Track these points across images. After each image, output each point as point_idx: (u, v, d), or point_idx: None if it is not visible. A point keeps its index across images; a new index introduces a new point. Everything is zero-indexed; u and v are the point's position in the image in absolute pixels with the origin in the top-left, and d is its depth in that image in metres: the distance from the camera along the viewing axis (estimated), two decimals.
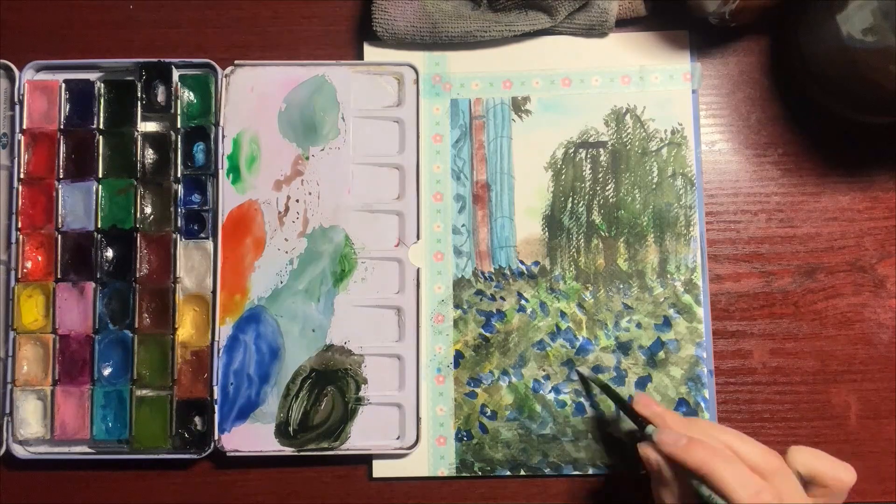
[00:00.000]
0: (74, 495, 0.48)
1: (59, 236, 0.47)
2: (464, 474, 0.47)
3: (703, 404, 0.47)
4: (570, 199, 0.49)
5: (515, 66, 0.49)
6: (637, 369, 0.47)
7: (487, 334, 0.48)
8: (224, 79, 0.48)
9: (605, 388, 0.46)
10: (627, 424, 0.47)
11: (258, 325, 0.47)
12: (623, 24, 0.49)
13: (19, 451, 0.46)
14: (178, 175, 0.48)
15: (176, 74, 0.48)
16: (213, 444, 0.46)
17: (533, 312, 0.48)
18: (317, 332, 0.47)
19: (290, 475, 0.48)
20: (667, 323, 0.48)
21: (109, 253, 0.47)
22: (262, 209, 0.48)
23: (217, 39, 0.50)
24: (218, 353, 0.47)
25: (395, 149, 0.49)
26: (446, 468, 0.47)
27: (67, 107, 0.48)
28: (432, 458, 0.47)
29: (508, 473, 0.47)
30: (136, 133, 0.48)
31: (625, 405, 0.44)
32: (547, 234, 0.49)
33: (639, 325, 0.48)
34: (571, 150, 0.49)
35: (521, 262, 0.48)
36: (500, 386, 0.48)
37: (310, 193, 0.48)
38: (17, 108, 0.48)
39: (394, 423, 0.47)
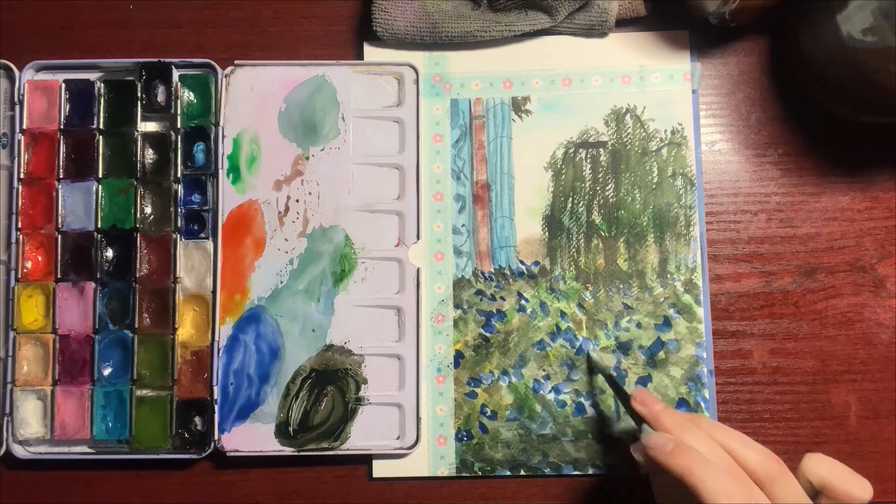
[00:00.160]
0: (74, 495, 0.48)
1: (59, 236, 0.47)
2: (464, 474, 0.47)
3: (703, 404, 0.47)
4: (570, 199, 0.49)
5: (515, 66, 0.49)
6: (637, 369, 0.47)
7: (487, 334, 0.48)
8: (224, 79, 0.48)
9: (610, 379, 0.45)
10: (626, 424, 0.47)
11: (258, 325, 0.47)
12: (623, 24, 0.49)
13: (19, 451, 0.46)
14: (178, 175, 0.48)
15: (176, 74, 0.48)
16: (213, 444, 0.46)
17: (533, 312, 0.48)
18: (317, 332, 0.47)
19: (290, 475, 0.48)
20: (667, 323, 0.48)
21: (109, 253, 0.48)
22: (262, 209, 0.48)
23: (217, 39, 0.50)
24: (218, 353, 0.47)
25: (395, 149, 0.49)
26: (446, 468, 0.47)
27: (67, 107, 0.48)
28: (432, 458, 0.47)
29: (508, 473, 0.47)
30: (136, 133, 0.48)
31: (625, 399, 0.43)
32: (547, 234, 0.49)
33: (639, 325, 0.48)
34: (571, 150, 0.49)
35: (521, 262, 0.48)
36: (500, 386, 0.48)
37: (310, 193, 0.48)
38: (17, 108, 0.48)
39: (394, 423, 0.47)
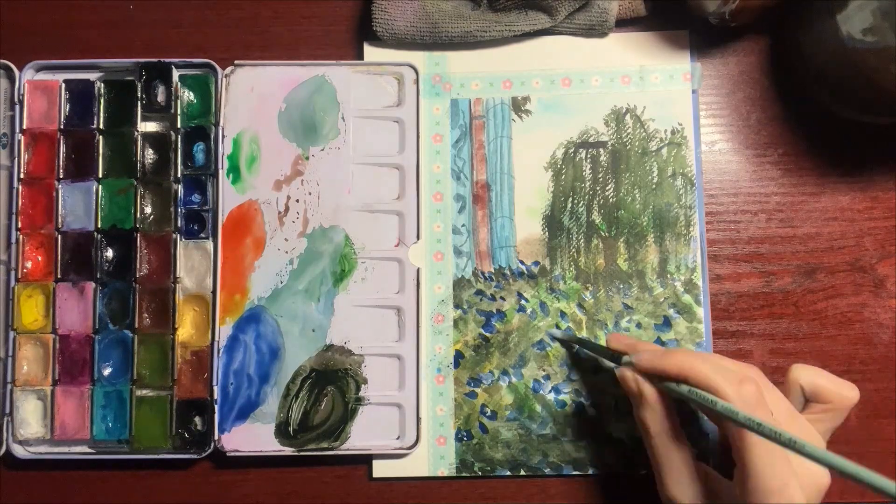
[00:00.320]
0: (74, 495, 0.48)
1: (59, 236, 0.47)
2: (464, 474, 0.47)
3: None
4: (570, 199, 0.49)
5: (515, 66, 0.49)
6: None
7: (487, 334, 0.48)
8: (224, 79, 0.48)
9: (580, 342, 0.46)
10: (626, 423, 0.47)
11: (258, 325, 0.47)
12: (623, 24, 0.49)
13: (19, 451, 0.46)
14: (178, 175, 0.48)
15: (176, 74, 0.48)
16: (213, 444, 0.46)
17: (533, 312, 0.48)
18: (317, 332, 0.47)
19: (290, 475, 0.48)
20: (667, 323, 0.48)
21: (109, 253, 0.48)
22: (262, 209, 0.48)
23: (217, 39, 0.50)
24: (218, 353, 0.47)
25: (395, 149, 0.49)
26: (446, 468, 0.47)
27: (67, 107, 0.48)
28: (432, 458, 0.47)
29: (508, 473, 0.47)
30: (136, 133, 0.48)
31: (600, 349, 0.44)
32: (547, 234, 0.49)
33: (639, 325, 0.48)
34: (571, 150, 0.49)
35: (521, 262, 0.48)
36: (500, 386, 0.48)
37: (310, 193, 0.48)
38: (17, 108, 0.48)
39: (394, 423, 0.47)
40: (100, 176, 0.48)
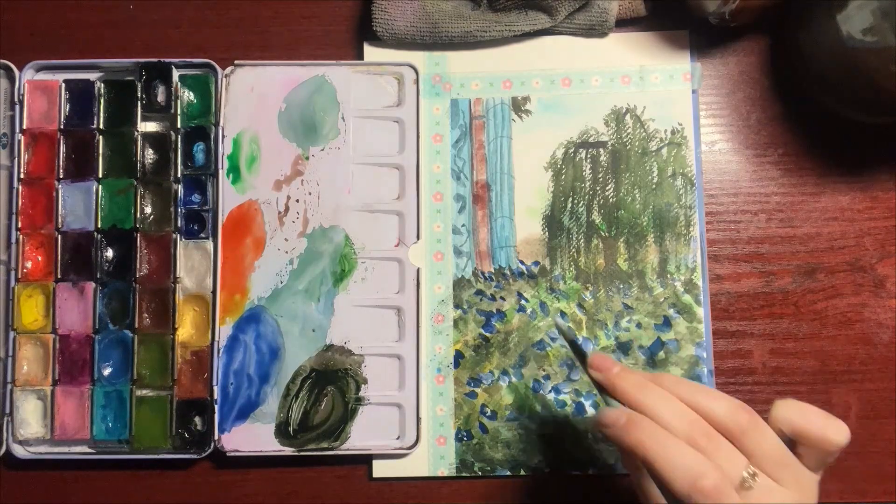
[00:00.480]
0: (74, 495, 0.48)
1: (59, 236, 0.47)
2: (464, 474, 0.47)
3: None
4: (570, 199, 0.49)
5: (515, 66, 0.49)
6: (637, 369, 0.47)
7: (487, 334, 0.48)
8: (224, 79, 0.48)
9: (572, 345, 0.42)
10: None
11: (258, 325, 0.47)
12: (623, 24, 0.49)
13: (19, 451, 0.46)
14: (178, 175, 0.48)
15: (176, 74, 0.48)
16: (213, 444, 0.46)
17: (533, 312, 0.48)
18: (317, 332, 0.47)
19: (290, 475, 0.48)
20: (667, 323, 0.48)
21: (109, 253, 0.48)
22: (262, 209, 0.48)
23: (217, 39, 0.50)
24: (218, 353, 0.47)
25: (395, 149, 0.49)
26: (446, 468, 0.47)
27: (67, 107, 0.48)
28: (432, 458, 0.47)
29: (508, 473, 0.47)
30: (136, 133, 0.48)
31: (585, 364, 0.40)
32: (547, 234, 0.49)
33: (639, 325, 0.48)
34: (571, 150, 0.49)
35: (521, 262, 0.48)
36: (500, 386, 0.48)
37: (310, 193, 0.48)
38: (17, 108, 0.48)
39: (394, 423, 0.47)
40: (100, 176, 0.48)
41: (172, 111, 0.48)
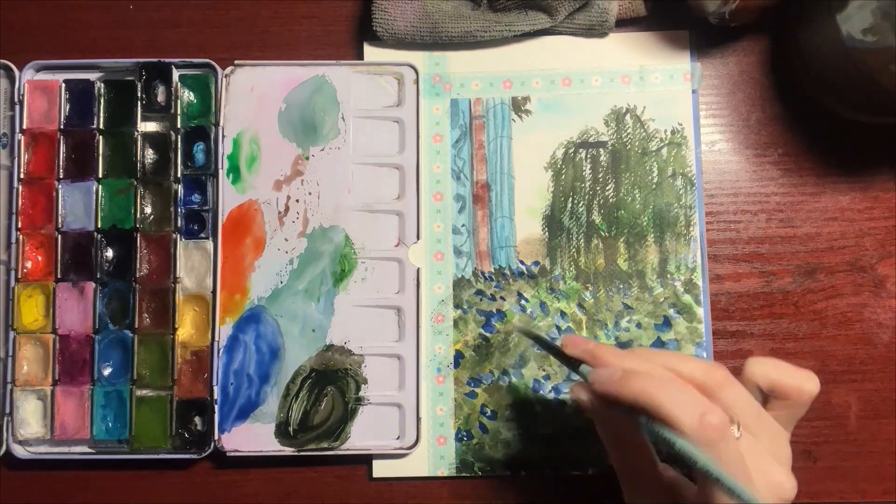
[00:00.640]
0: (74, 495, 0.48)
1: (59, 236, 0.47)
2: (464, 474, 0.47)
3: None
4: (570, 199, 0.49)
5: (515, 66, 0.49)
6: None
7: (487, 334, 0.48)
8: (224, 79, 0.48)
9: (538, 340, 0.43)
10: None
11: (258, 325, 0.47)
12: (623, 24, 0.49)
13: (19, 451, 0.46)
14: (178, 175, 0.48)
15: (176, 74, 0.48)
16: (213, 444, 0.46)
17: (533, 312, 0.48)
18: (317, 332, 0.47)
19: (290, 475, 0.48)
20: (667, 323, 0.48)
21: (109, 253, 0.48)
22: (262, 209, 0.48)
23: (217, 39, 0.50)
24: (218, 353, 0.47)
25: (395, 149, 0.49)
26: (446, 468, 0.47)
27: (67, 107, 0.48)
28: (432, 458, 0.47)
29: (508, 473, 0.47)
30: (136, 133, 0.48)
31: (557, 352, 0.40)
32: (547, 234, 0.49)
33: (639, 325, 0.48)
34: (571, 150, 0.49)
35: (521, 262, 0.48)
36: (500, 386, 0.48)
37: (310, 193, 0.48)
38: (17, 108, 0.48)
39: (394, 423, 0.47)
40: (100, 176, 0.48)
41: (172, 111, 0.48)
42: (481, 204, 0.49)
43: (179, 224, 0.47)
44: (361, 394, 0.47)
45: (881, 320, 0.48)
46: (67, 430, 0.46)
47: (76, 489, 0.48)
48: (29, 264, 0.47)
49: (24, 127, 0.48)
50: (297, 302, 0.47)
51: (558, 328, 0.48)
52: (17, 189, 0.47)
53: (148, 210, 0.48)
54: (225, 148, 0.48)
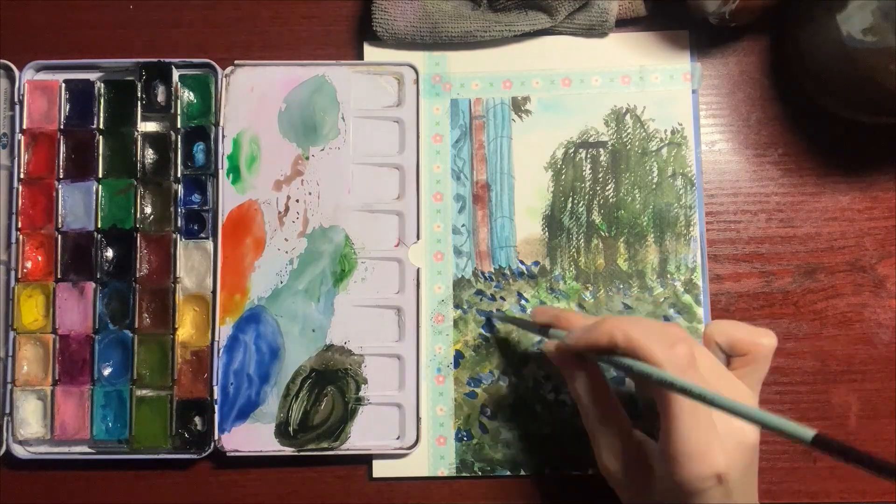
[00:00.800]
0: (74, 495, 0.48)
1: (59, 236, 0.47)
2: (464, 474, 0.47)
3: None
4: (570, 199, 0.49)
5: (515, 66, 0.49)
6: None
7: (487, 334, 0.48)
8: (224, 79, 0.48)
9: (512, 320, 0.46)
10: None
11: (258, 325, 0.47)
12: (623, 24, 0.49)
13: (19, 451, 0.46)
14: (178, 175, 0.48)
15: (176, 74, 0.48)
16: (213, 444, 0.46)
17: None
18: (317, 332, 0.47)
19: (290, 475, 0.48)
20: None
21: (109, 253, 0.48)
22: (262, 209, 0.48)
23: (217, 39, 0.50)
24: (218, 353, 0.47)
25: (395, 149, 0.49)
26: (446, 468, 0.47)
27: (67, 107, 0.48)
28: (432, 458, 0.47)
29: (508, 473, 0.47)
30: (136, 133, 0.48)
31: (528, 324, 0.44)
32: (547, 234, 0.49)
33: None
34: (571, 150, 0.49)
35: (521, 262, 0.48)
36: (500, 386, 0.48)
37: (310, 193, 0.48)
38: (17, 108, 0.48)
39: (394, 423, 0.47)
40: (100, 176, 0.48)
41: (172, 111, 0.48)
42: (481, 204, 0.49)
43: (179, 224, 0.47)
44: (361, 394, 0.47)
45: (881, 320, 0.48)
46: (67, 430, 0.46)
47: (76, 489, 0.48)
48: (29, 264, 0.47)
49: (24, 127, 0.48)
50: (297, 302, 0.47)
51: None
52: (17, 189, 0.47)
53: (148, 210, 0.48)
54: (225, 148, 0.48)
